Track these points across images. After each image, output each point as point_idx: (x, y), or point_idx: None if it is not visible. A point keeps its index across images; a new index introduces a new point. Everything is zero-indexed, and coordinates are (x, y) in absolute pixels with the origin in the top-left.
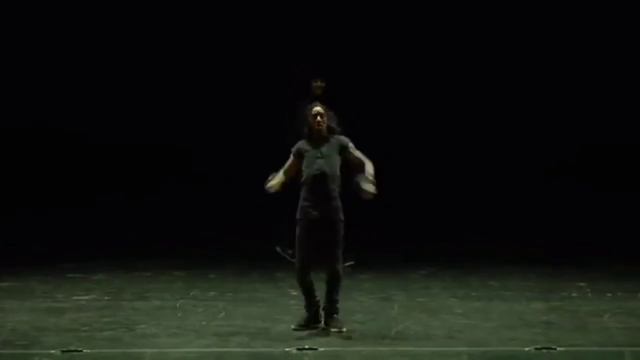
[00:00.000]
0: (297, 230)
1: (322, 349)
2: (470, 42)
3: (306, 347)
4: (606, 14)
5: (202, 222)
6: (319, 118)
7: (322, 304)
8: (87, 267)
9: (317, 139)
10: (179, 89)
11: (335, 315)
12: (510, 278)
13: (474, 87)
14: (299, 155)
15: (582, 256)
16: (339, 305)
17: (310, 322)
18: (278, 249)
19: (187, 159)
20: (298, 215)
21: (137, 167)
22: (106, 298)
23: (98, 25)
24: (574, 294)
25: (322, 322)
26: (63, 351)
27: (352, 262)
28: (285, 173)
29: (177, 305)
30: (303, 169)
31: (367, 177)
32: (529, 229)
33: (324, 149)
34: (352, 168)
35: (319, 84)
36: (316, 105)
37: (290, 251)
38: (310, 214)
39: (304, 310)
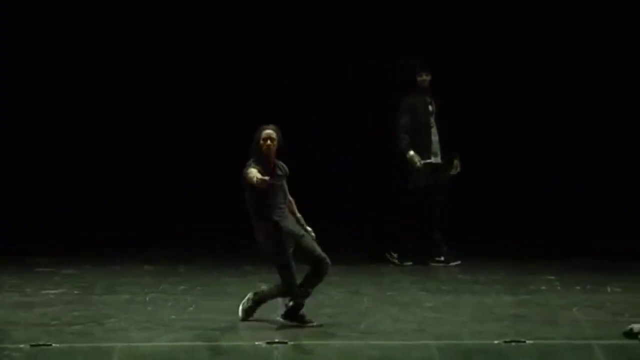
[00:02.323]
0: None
1: (291, 343)
2: (470, 42)
3: (276, 340)
4: (606, 14)
5: (180, 217)
6: (269, 142)
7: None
8: (57, 262)
9: (266, 162)
10: (179, 89)
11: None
12: (480, 272)
13: (473, 86)
14: None
15: (552, 250)
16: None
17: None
18: (388, 256)
19: (186, 158)
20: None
21: (114, 166)
22: (76, 292)
23: (97, 25)
24: (543, 288)
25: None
26: (32, 345)
27: (458, 262)
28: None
29: (147, 299)
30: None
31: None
32: (500, 225)
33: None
34: None
35: (424, 77)
36: (267, 128)
37: (395, 255)
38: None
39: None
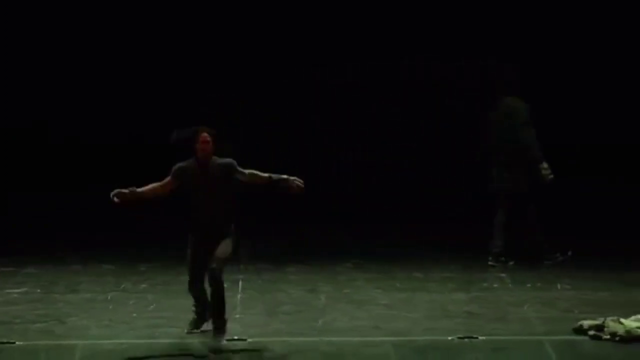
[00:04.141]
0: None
1: (250, 340)
2: (470, 41)
3: (235, 337)
4: (605, 13)
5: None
6: (204, 145)
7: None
8: (18, 262)
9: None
10: (179, 89)
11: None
12: (433, 269)
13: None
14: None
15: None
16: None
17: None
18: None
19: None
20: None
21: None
22: (38, 291)
23: (93, 25)
24: (494, 285)
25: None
26: None
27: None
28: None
29: (108, 297)
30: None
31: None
32: (455, 223)
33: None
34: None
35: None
36: (204, 131)
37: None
38: None
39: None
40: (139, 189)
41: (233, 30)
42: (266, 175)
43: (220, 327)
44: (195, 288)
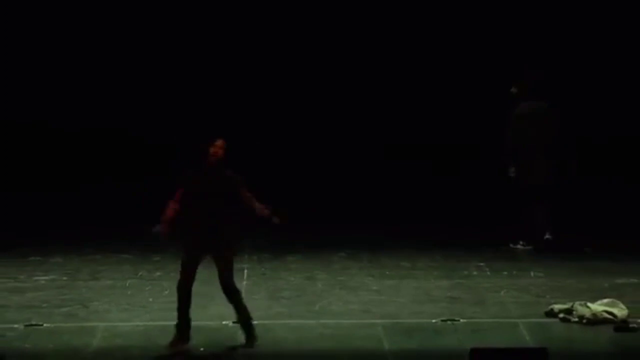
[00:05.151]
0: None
1: (254, 322)
2: (471, 43)
3: None
4: (605, 12)
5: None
6: (216, 149)
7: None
8: (45, 251)
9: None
10: (179, 89)
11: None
12: (419, 259)
13: (473, 85)
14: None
15: (483, 239)
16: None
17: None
18: (520, 246)
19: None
20: None
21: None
22: (63, 278)
23: (89, 24)
24: (474, 273)
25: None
26: (26, 325)
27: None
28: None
29: (126, 284)
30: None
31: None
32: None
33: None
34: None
35: (512, 89)
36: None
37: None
38: None
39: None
40: (168, 216)
41: (232, 30)
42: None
43: (250, 335)
44: (183, 289)
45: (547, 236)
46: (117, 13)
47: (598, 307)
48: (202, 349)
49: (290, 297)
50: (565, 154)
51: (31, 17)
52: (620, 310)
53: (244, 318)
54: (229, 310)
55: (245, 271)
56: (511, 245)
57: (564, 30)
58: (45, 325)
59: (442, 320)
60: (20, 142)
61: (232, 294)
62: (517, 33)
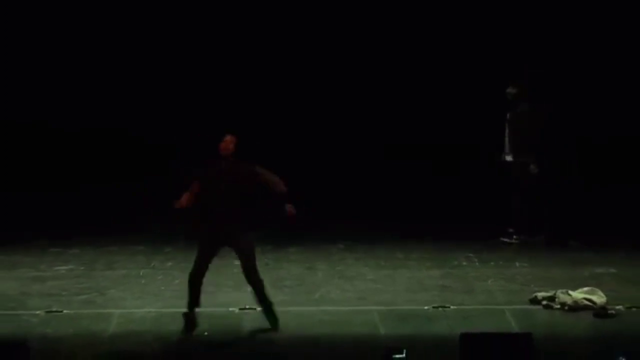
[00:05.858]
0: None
1: (259, 309)
2: (473, 43)
3: (247, 307)
4: (605, 12)
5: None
6: (226, 144)
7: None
8: (64, 243)
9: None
10: (180, 89)
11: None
12: (412, 251)
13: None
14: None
15: (471, 232)
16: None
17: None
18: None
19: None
20: None
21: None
22: (81, 268)
23: (89, 24)
24: (464, 263)
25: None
26: (47, 312)
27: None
28: None
29: (140, 274)
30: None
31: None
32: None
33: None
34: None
35: (509, 89)
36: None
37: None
38: None
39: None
40: (184, 199)
41: (232, 30)
42: (279, 189)
43: (275, 320)
44: (195, 280)
45: (539, 237)
46: (117, 13)
47: (578, 294)
48: (206, 333)
49: (292, 286)
50: (566, 154)
51: (31, 17)
52: (599, 298)
53: (266, 306)
54: (235, 297)
55: None
56: (506, 240)
57: (564, 30)
58: (65, 311)
59: (434, 307)
60: (20, 142)
61: (255, 284)
62: (517, 33)
